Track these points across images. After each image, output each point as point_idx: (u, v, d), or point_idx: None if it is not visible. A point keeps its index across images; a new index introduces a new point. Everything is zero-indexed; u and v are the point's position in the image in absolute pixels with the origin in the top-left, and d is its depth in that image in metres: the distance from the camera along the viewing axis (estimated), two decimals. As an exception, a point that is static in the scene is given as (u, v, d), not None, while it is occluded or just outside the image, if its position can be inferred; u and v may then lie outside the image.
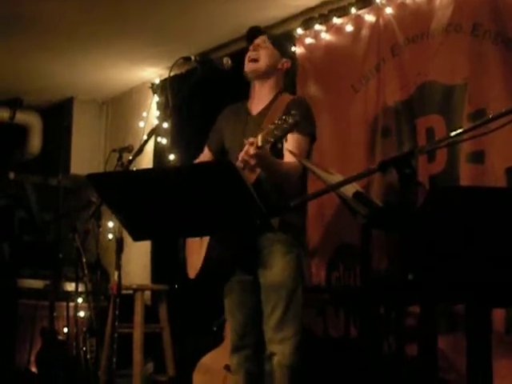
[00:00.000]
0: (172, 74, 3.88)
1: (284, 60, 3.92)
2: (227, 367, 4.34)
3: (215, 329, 4.89)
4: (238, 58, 3.93)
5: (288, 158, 3.66)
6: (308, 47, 5.39)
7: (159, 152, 6.76)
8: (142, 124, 6.94)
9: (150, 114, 6.92)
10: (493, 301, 2.70)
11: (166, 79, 6.57)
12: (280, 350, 3.68)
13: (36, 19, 5.89)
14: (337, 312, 4.92)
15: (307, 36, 5.42)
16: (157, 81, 6.99)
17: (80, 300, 5.77)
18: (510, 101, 4.10)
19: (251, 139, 3.34)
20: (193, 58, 3.76)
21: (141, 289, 5.75)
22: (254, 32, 4.00)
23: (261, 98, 3.88)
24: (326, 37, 5.33)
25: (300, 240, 3.83)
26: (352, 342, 4.64)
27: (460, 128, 2.49)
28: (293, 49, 4.99)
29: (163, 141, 6.65)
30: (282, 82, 3.94)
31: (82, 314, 5.92)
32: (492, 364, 2.76)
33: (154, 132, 4.23)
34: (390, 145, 4.82)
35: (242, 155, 3.39)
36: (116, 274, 3.65)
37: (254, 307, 3.80)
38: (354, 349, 4.42)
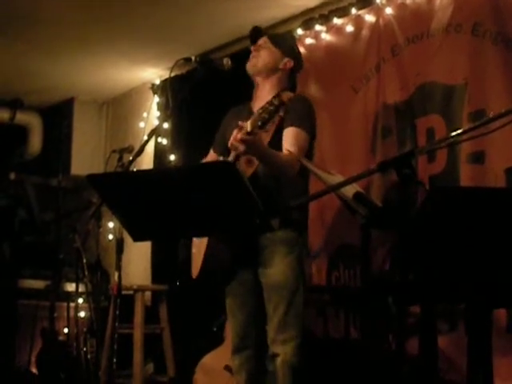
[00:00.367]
0: (172, 74, 3.89)
1: (286, 59, 3.92)
2: (227, 367, 4.34)
3: (215, 329, 4.89)
4: (238, 58, 3.94)
5: (285, 151, 3.66)
6: (308, 47, 5.39)
7: (159, 152, 6.76)
8: (142, 124, 6.94)
9: (151, 115, 6.92)
10: (493, 301, 2.70)
11: (166, 80, 6.57)
12: (283, 350, 3.67)
13: (36, 20, 5.89)
14: (337, 312, 4.92)
15: (307, 36, 5.42)
16: (157, 81, 6.99)
17: (80, 300, 5.76)
18: (510, 101, 4.10)
19: (240, 124, 3.35)
20: (193, 58, 3.76)
21: (141, 289, 5.75)
22: (255, 33, 4.00)
23: (262, 97, 3.88)
24: (326, 37, 5.33)
25: (302, 238, 3.83)
26: (352, 343, 4.65)
27: (460, 128, 2.49)
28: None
29: (163, 141, 6.65)
30: (285, 81, 3.94)
31: (82, 314, 5.92)
32: (493, 363, 2.76)
33: (155, 132, 4.24)
34: (390, 145, 4.82)
35: (230, 141, 3.41)
36: (116, 274, 3.65)
37: (255, 307, 3.80)
38: (354, 349, 4.42)
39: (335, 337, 4.87)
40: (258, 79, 3.91)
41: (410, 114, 4.73)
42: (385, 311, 3.76)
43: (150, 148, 6.73)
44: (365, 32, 5.07)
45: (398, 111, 4.80)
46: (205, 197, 2.72)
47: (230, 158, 3.56)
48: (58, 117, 8.10)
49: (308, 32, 5.42)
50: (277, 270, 3.70)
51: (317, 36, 5.37)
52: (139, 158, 3.76)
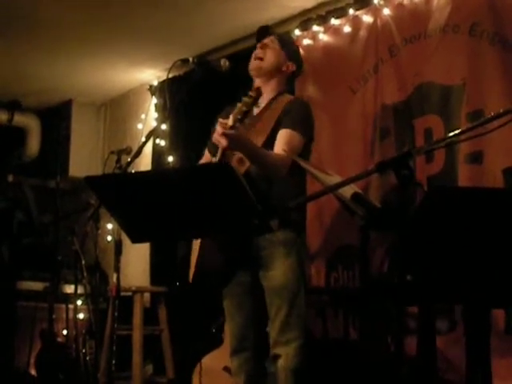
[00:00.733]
0: (170, 75, 3.89)
1: (290, 63, 3.91)
2: (226, 369, 4.34)
3: (214, 330, 4.89)
4: (236, 59, 3.94)
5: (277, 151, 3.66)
6: (306, 48, 5.39)
7: (158, 154, 6.76)
8: (140, 126, 6.94)
9: (149, 116, 6.92)
10: (491, 301, 2.70)
11: (164, 81, 6.58)
12: (284, 351, 3.67)
13: (34, 22, 5.89)
14: (336, 313, 4.92)
15: (305, 37, 5.42)
16: (155, 83, 6.99)
17: (79, 302, 5.77)
18: (507, 101, 4.10)
19: (220, 120, 3.37)
20: (190, 59, 3.76)
21: (140, 291, 5.75)
22: (263, 31, 4.00)
23: (263, 99, 3.88)
24: (323, 38, 5.33)
25: (300, 238, 3.82)
26: (351, 343, 4.65)
27: (458, 128, 2.49)
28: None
29: (161, 143, 6.65)
30: (284, 84, 3.94)
31: (81, 316, 5.93)
32: (491, 364, 2.76)
33: (153, 134, 4.23)
34: (388, 145, 4.83)
35: (214, 136, 3.42)
36: (115, 276, 3.65)
37: (253, 309, 3.79)
38: (353, 350, 4.42)
39: (334, 337, 4.87)
40: (259, 81, 3.90)
41: (408, 115, 4.73)
42: (384, 312, 3.76)
43: (148, 149, 6.73)
44: (362, 32, 5.08)
45: (396, 112, 4.80)
46: (203, 198, 2.72)
47: (218, 155, 3.55)
48: (56, 118, 8.10)
49: (305, 33, 5.42)
50: (278, 272, 3.69)
51: (314, 37, 5.37)
52: (137, 160, 3.76)
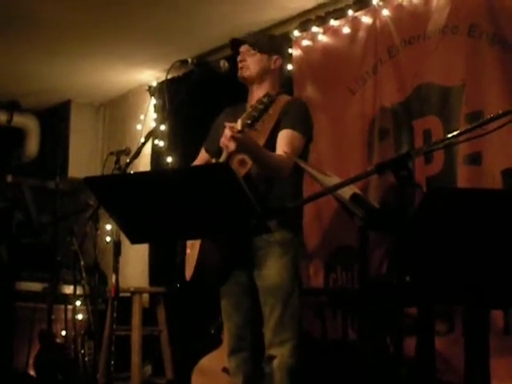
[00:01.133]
0: (169, 76, 3.90)
1: (274, 58, 3.91)
2: (225, 369, 4.34)
3: (213, 331, 4.89)
4: (235, 60, 3.94)
5: (280, 152, 3.66)
6: (305, 49, 5.39)
7: (156, 155, 6.75)
8: (139, 127, 6.93)
9: (148, 117, 6.92)
10: (490, 302, 2.70)
11: (163, 82, 6.57)
12: (279, 352, 3.67)
13: (33, 22, 5.88)
14: (335, 314, 4.92)
15: (304, 38, 5.42)
16: (154, 83, 6.98)
17: (78, 303, 5.77)
18: (507, 102, 4.10)
19: (229, 124, 3.37)
20: (190, 60, 3.77)
21: (139, 291, 5.75)
22: (235, 43, 3.98)
23: (257, 98, 3.87)
24: (322, 39, 5.33)
25: (297, 239, 3.82)
26: (350, 344, 4.65)
27: (457, 129, 2.49)
28: (287, 49, 4.98)
29: (160, 143, 6.65)
30: (278, 81, 3.95)
31: (80, 316, 5.93)
32: (490, 365, 2.76)
33: (152, 135, 4.23)
34: (387, 147, 4.82)
35: (222, 140, 3.42)
36: (114, 276, 3.65)
37: (250, 309, 3.80)
38: (352, 351, 4.42)
39: (333, 338, 4.86)
40: (253, 87, 3.91)
41: (407, 116, 4.73)
42: (383, 313, 3.76)
43: (147, 150, 6.72)
44: (361, 33, 5.08)
45: (394, 113, 4.80)
46: (202, 199, 2.72)
47: (222, 158, 3.57)
48: (55, 119, 8.09)
49: (305, 34, 5.42)
50: (272, 271, 3.70)
51: (313, 38, 5.37)
52: (136, 161, 3.77)
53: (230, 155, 3.51)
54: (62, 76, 7.13)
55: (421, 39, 4.68)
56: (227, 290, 3.84)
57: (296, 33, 5.45)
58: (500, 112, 2.39)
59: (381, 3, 4.95)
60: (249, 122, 3.39)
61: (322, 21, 5.32)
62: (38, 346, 6.02)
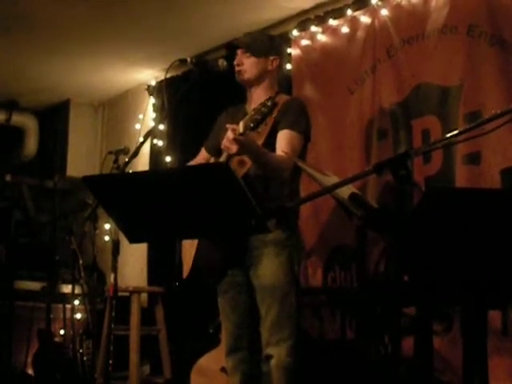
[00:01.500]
0: (168, 75, 3.89)
1: (271, 59, 3.91)
2: (224, 369, 4.34)
3: (211, 331, 4.89)
4: (234, 60, 3.94)
5: (279, 153, 3.67)
6: (304, 49, 5.40)
7: (155, 154, 6.76)
8: (138, 126, 6.93)
9: (146, 116, 6.92)
10: (488, 302, 2.70)
11: (162, 81, 6.56)
12: (276, 351, 3.67)
13: (32, 21, 5.89)
14: (333, 313, 4.92)
15: (303, 38, 5.42)
16: (153, 83, 6.98)
17: (76, 302, 5.77)
18: (505, 102, 4.10)
19: (231, 126, 3.37)
20: (188, 59, 3.77)
21: (137, 291, 5.74)
22: (231, 47, 3.98)
23: (256, 99, 3.87)
24: (321, 38, 5.33)
25: (293, 239, 3.82)
26: (348, 344, 4.65)
27: (456, 129, 2.49)
28: (286, 49, 4.98)
29: (159, 143, 6.65)
30: (276, 81, 3.95)
31: (78, 316, 5.93)
32: (488, 365, 2.76)
33: (150, 134, 4.24)
34: (386, 146, 4.83)
35: (223, 142, 3.42)
36: (112, 276, 3.65)
37: (247, 308, 3.80)
38: (350, 350, 4.43)
39: (331, 338, 4.87)
40: (251, 89, 3.91)
41: (406, 116, 4.73)
42: (380, 312, 3.77)
43: (146, 149, 6.73)
44: (360, 33, 5.08)
45: (393, 113, 4.80)
46: (201, 198, 2.72)
47: (223, 158, 3.57)
48: (54, 118, 8.09)
49: (303, 33, 5.42)
50: (267, 271, 3.70)
51: (312, 37, 5.37)
52: (135, 160, 3.77)
53: (230, 156, 3.52)
54: (61, 75, 7.13)
55: (419, 39, 4.69)
56: (224, 289, 3.83)
57: (295, 32, 5.45)
58: (499, 111, 2.39)
59: (380, 3, 4.95)
60: (252, 125, 3.40)
61: (320, 20, 5.33)
62: (36, 345, 6.02)
